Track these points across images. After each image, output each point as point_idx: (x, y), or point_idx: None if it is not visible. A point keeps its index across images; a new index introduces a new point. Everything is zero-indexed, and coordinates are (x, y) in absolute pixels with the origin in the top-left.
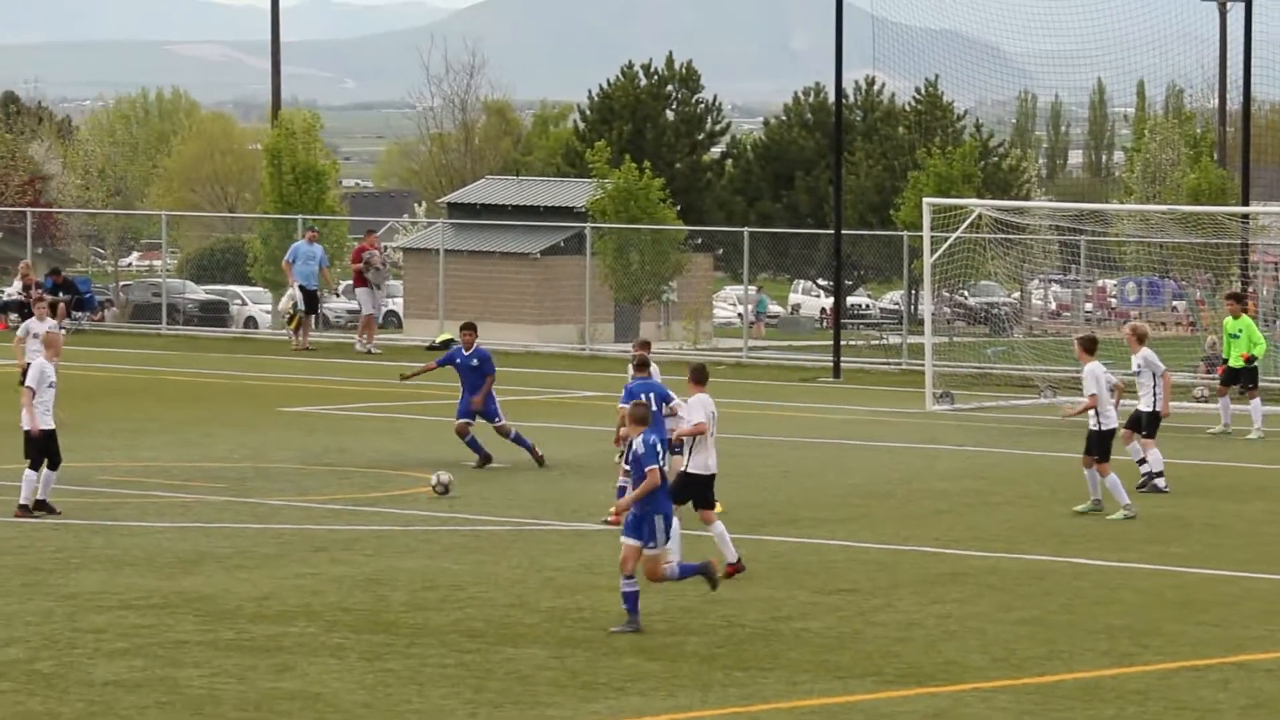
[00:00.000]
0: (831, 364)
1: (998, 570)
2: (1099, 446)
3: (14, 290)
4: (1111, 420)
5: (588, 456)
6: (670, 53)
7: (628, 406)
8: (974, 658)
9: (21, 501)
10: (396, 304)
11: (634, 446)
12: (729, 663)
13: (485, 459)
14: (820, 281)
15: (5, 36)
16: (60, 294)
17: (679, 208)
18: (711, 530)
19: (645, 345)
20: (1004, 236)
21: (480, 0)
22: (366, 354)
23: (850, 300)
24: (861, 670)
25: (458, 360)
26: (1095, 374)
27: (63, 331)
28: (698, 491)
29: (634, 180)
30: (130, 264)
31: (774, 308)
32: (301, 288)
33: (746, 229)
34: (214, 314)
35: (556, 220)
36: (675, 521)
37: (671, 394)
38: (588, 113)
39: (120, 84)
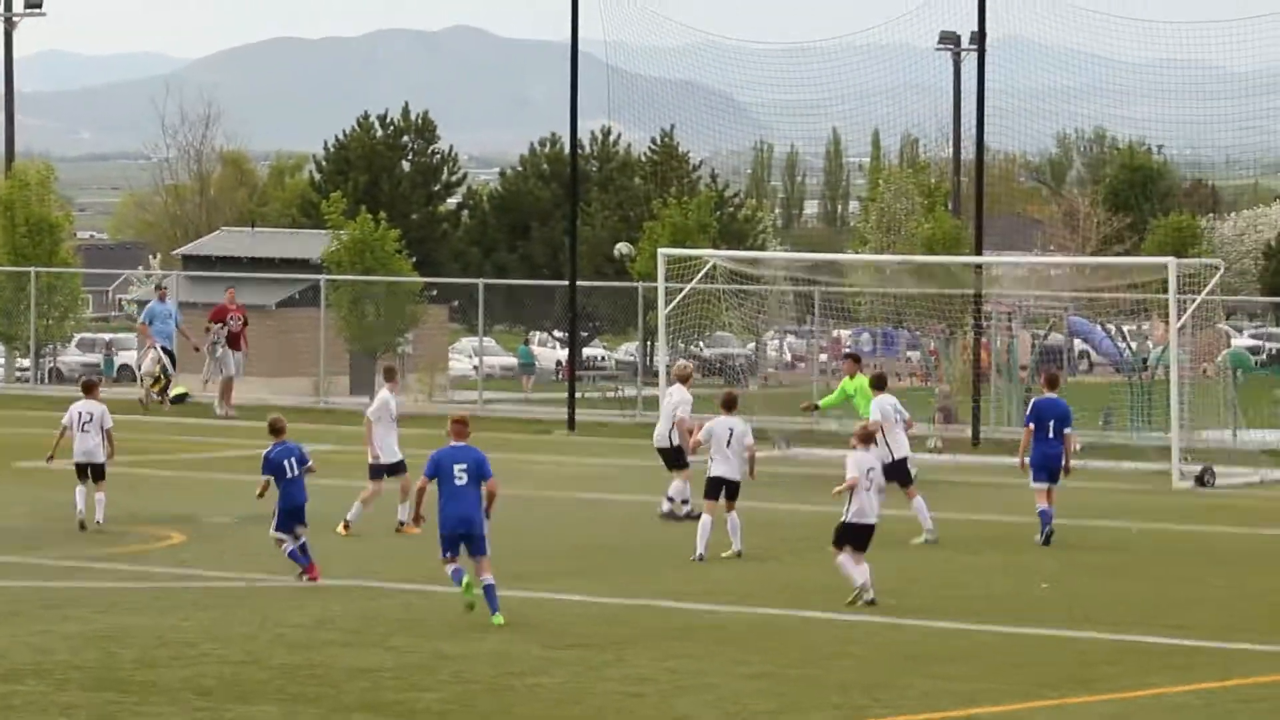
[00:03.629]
0: (566, 416)
1: (730, 625)
2: (896, 475)
3: None
4: (902, 448)
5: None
6: (406, 103)
7: None
8: (706, 713)
9: None
10: (129, 357)
11: None
12: (461, 718)
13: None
14: (556, 333)
15: None
16: None
17: (415, 259)
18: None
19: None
20: (739, 288)
21: (217, 50)
22: (225, 418)
23: (586, 352)
24: None
25: None
26: (882, 406)
27: None
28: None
29: (370, 231)
30: None
31: (509, 359)
32: (164, 349)
33: (482, 280)
34: None
35: (292, 272)
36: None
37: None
38: (324, 163)
39: None
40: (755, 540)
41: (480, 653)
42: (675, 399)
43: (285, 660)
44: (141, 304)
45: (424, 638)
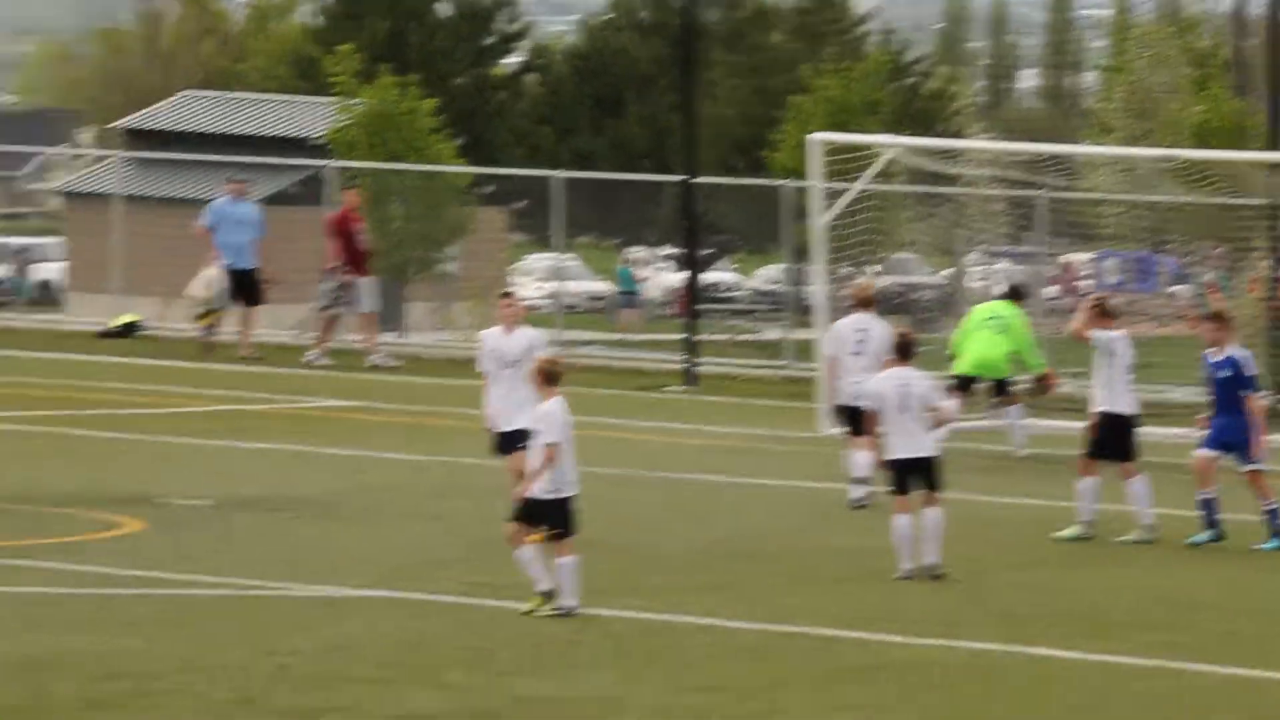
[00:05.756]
0: (683, 366)
1: (926, 663)
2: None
3: None
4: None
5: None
6: None
7: None
8: None
9: None
10: (50, 270)
11: None
12: None
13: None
14: (667, 250)
15: None
16: None
17: (461, 141)
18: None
19: None
20: (928, 190)
21: None
22: (374, 369)
23: (709, 277)
24: None
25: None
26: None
27: None
28: None
29: (394, 101)
30: None
31: (599, 284)
32: (231, 268)
33: (558, 172)
34: None
35: (284, 155)
36: None
37: None
38: (326, 3)
39: None
40: (958, 549)
41: (573, 696)
42: (876, 334)
43: (291, 703)
44: (77, 196)
45: (490, 672)
